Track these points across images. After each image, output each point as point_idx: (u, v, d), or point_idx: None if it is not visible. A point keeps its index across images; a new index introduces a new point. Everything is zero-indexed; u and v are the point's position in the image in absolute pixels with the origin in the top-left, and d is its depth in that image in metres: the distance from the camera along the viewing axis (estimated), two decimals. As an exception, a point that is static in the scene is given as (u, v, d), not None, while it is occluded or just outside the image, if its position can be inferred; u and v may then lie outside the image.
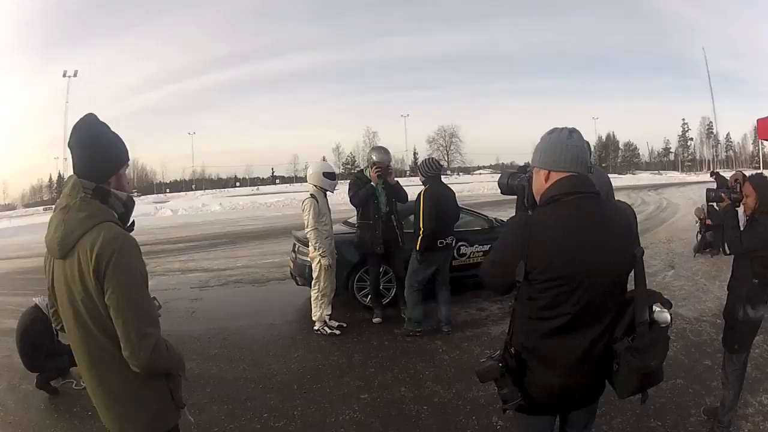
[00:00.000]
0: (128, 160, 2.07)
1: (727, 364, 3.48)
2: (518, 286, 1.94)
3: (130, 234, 1.97)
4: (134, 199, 2.13)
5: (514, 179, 2.56)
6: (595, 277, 1.89)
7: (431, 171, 5.62)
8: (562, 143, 1.99)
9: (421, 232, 5.49)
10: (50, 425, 4.23)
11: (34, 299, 4.99)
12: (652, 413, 3.79)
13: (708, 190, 3.62)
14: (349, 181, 6.73)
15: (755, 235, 3.33)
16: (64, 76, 55.75)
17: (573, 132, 2.01)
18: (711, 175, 6.25)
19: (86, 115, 1.99)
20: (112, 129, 2.03)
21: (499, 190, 2.82)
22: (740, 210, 3.46)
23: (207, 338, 6.01)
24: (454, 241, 5.89)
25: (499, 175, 2.71)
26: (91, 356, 1.94)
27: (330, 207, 6.16)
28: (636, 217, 2.07)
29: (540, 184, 2.04)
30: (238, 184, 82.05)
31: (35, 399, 4.72)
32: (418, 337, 5.71)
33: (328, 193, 6.13)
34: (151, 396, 1.99)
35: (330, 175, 6.08)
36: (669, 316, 1.94)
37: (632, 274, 2.01)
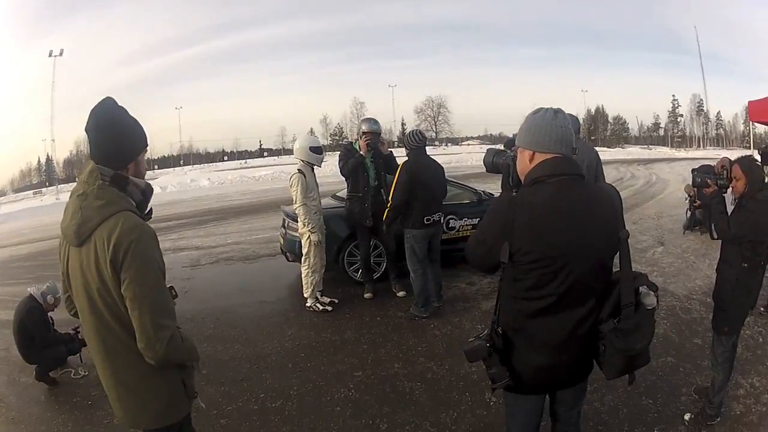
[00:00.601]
0: (147, 145, 2.03)
1: (716, 346, 3.47)
2: (503, 266, 1.95)
3: (148, 223, 1.94)
4: (152, 186, 2.08)
5: (499, 157, 2.56)
6: (579, 259, 1.90)
7: (415, 143, 5.52)
8: (547, 124, 1.99)
9: (388, 205, 5.52)
10: (52, 417, 4.21)
11: (28, 289, 4.98)
12: (643, 391, 3.85)
13: (694, 175, 3.56)
14: (338, 152, 6.68)
15: (743, 221, 3.30)
16: (50, 55, 54.42)
17: (558, 112, 2.02)
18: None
19: (104, 99, 1.93)
20: (130, 113, 1.97)
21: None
22: (728, 194, 3.42)
23: (200, 318, 5.99)
24: (442, 218, 5.83)
25: (485, 152, 2.69)
26: (105, 346, 1.92)
27: (318, 181, 6.12)
28: (621, 199, 2.08)
29: (524, 164, 2.05)
30: (226, 158, 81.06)
31: (35, 391, 4.70)
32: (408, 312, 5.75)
33: (315, 167, 6.07)
34: (164, 386, 1.99)
35: (317, 150, 6.03)
36: (655, 299, 1.97)
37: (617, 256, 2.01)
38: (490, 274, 2.18)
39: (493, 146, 2.53)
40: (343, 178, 6.41)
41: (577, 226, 1.90)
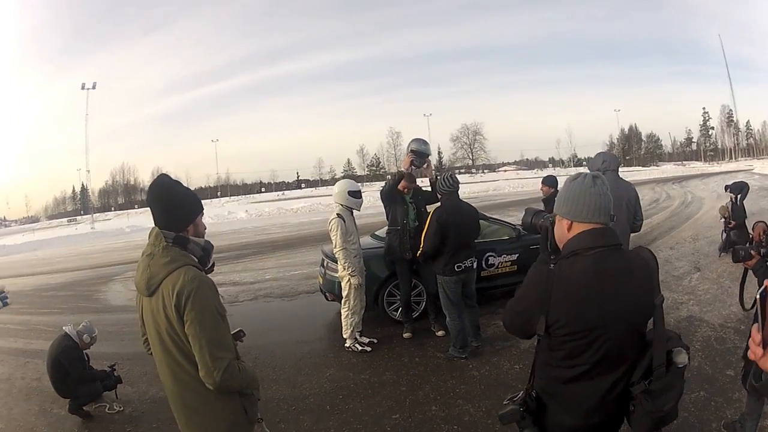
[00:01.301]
0: (202, 209, 2.39)
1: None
2: (539, 336, 2.01)
3: (208, 275, 2.29)
4: (212, 243, 2.41)
5: (537, 218, 2.54)
6: (614, 330, 1.92)
7: (447, 187, 5.53)
8: (586, 192, 2.00)
9: (420, 248, 5.62)
10: None
11: (64, 328, 5.08)
12: (674, 428, 3.80)
13: (735, 250, 3.34)
14: (379, 184, 6.75)
15: None
16: (83, 88, 56.40)
17: (596, 178, 2.03)
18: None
19: (159, 176, 2.33)
20: (183, 184, 2.36)
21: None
22: None
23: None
24: (475, 263, 5.77)
25: (523, 212, 2.69)
26: (173, 376, 2.25)
27: (357, 224, 6.22)
28: (657, 264, 2.10)
29: (562, 233, 2.07)
30: (263, 189, 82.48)
31: (68, 424, 4.82)
32: (447, 352, 5.76)
33: (354, 210, 6.18)
34: (225, 410, 2.30)
35: (355, 194, 6.12)
36: (687, 357, 1.98)
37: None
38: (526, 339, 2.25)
39: (532, 206, 2.52)
40: (384, 214, 6.53)
41: (613, 298, 1.92)
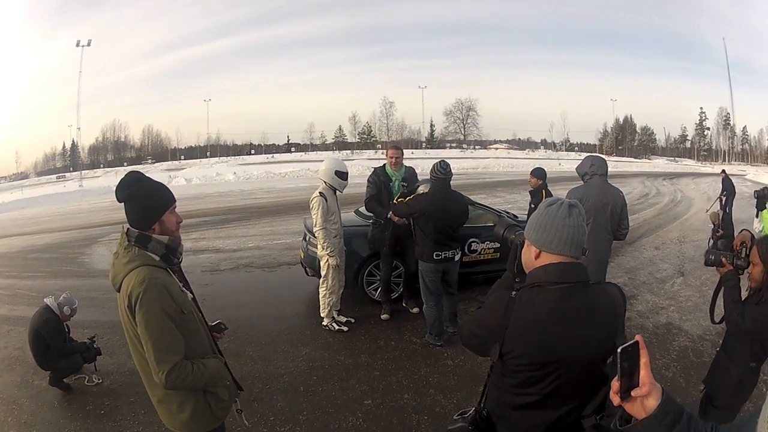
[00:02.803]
0: (170, 204, 2.39)
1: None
2: (492, 362, 1.98)
3: (163, 273, 2.31)
4: (178, 240, 2.44)
5: (510, 232, 2.49)
6: (569, 366, 1.87)
7: (440, 174, 5.46)
8: (559, 222, 1.89)
9: (395, 200, 5.82)
10: (64, 425, 4.31)
11: (45, 300, 5.04)
12: None
13: (707, 254, 3.18)
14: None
15: (758, 318, 2.85)
16: (78, 45, 55.63)
17: (573, 208, 1.91)
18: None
19: (127, 174, 2.37)
20: (152, 179, 2.39)
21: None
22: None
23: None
24: (458, 255, 5.71)
25: (496, 223, 2.63)
26: (142, 368, 2.34)
27: (339, 204, 6.14)
28: (625, 301, 2.04)
29: (529, 259, 1.97)
30: (253, 151, 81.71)
31: (49, 396, 4.81)
32: (424, 338, 5.79)
33: (337, 191, 6.07)
34: (187, 403, 2.37)
35: (342, 175, 6.00)
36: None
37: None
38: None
39: (506, 218, 2.41)
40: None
41: (573, 335, 1.85)
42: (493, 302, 2.03)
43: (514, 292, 1.95)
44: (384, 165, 6.49)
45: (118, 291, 2.27)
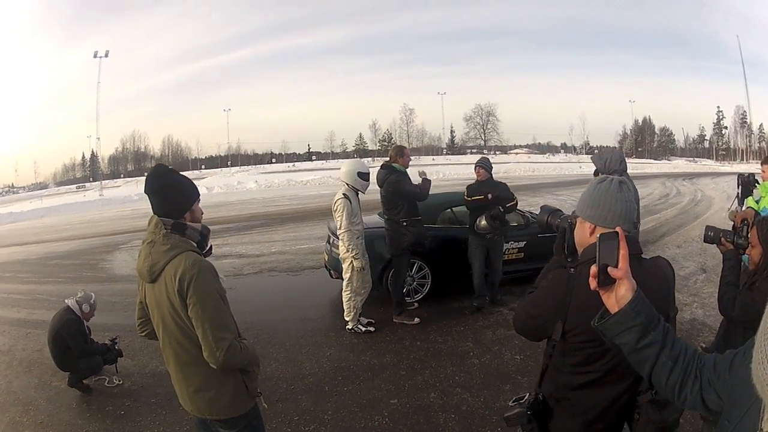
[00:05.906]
0: (198, 196, 2.48)
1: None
2: (554, 342, 1.98)
3: (206, 259, 2.39)
4: (208, 227, 2.51)
5: (555, 217, 2.44)
6: None
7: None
8: (612, 197, 1.92)
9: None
10: (82, 425, 4.32)
11: (66, 301, 5.04)
12: None
13: (707, 229, 3.02)
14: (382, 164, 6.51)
15: (752, 305, 2.67)
16: (95, 56, 56.61)
17: (623, 184, 1.95)
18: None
19: (156, 166, 2.45)
20: (180, 173, 2.46)
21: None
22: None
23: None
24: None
25: (539, 209, 2.59)
26: (177, 357, 2.39)
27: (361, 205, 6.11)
28: (674, 275, 2.05)
29: (584, 236, 1.99)
30: (273, 160, 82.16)
31: (67, 397, 4.84)
32: (449, 337, 5.81)
33: (360, 192, 6.07)
34: (228, 386, 2.42)
35: (364, 176, 6.02)
36: None
37: None
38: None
39: (548, 204, 2.38)
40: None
41: None
42: (552, 280, 2.05)
43: (572, 269, 1.96)
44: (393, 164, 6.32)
45: (153, 281, 2.31)
